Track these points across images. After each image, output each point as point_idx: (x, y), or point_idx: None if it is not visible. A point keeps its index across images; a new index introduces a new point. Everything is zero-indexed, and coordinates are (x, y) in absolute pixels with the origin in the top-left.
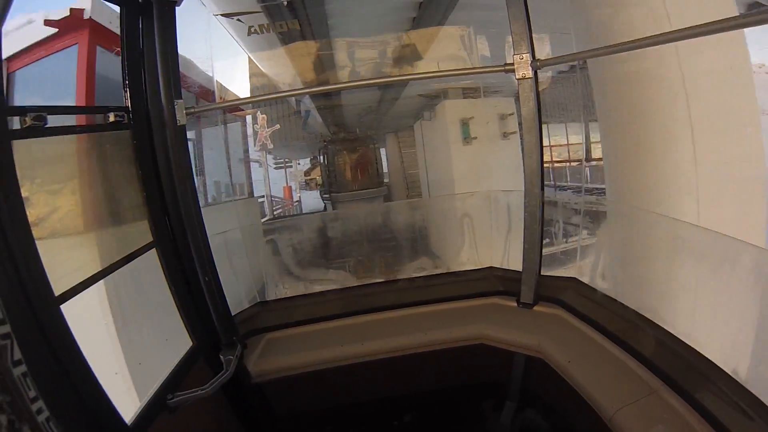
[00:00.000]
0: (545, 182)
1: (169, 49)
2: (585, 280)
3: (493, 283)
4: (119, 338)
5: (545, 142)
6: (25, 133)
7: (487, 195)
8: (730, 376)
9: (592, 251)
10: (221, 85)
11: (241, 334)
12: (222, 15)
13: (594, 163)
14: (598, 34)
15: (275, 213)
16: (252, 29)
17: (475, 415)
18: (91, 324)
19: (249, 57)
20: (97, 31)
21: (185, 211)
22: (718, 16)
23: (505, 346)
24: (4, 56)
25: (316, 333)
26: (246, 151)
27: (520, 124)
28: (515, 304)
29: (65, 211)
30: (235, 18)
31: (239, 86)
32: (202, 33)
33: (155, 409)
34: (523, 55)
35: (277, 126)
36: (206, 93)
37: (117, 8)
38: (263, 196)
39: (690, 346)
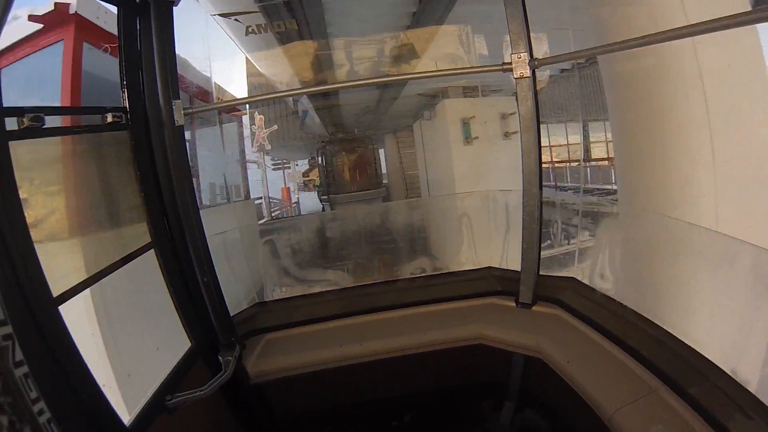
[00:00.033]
0: (545, 182)
1: (166, 50)
2: (599, 287)
3: (492, 283)
4: (116, 340)
5: (545, 143)
6: (23, 134)
7: (485, 195)
8: (729, 375)
9: (602, 255)
10: (219, 86)
11: (239, 335)
12: (219, 15)
13: (593, 163)
14: (609, 30)
15: (273, 215)
16: (250, 29)
17: (474, 415)
18: (90, 325)
19: (246, 57)
20: (83, 27)
21: (183, 212)
22: (732, 11)
23: (504, 346)
24: None
25: (315, 333)
26: (242, 152)
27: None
28: (514, 304)
29: (63, 212)
30: (233, 18)
31: (237, 87)
32: (199, 33)
33: (154, 410)
34: (521, 55)
35: (275, 127)
36: (202, 93)
37: (112, 7)
38: (261, 198)
39: (689, 346)
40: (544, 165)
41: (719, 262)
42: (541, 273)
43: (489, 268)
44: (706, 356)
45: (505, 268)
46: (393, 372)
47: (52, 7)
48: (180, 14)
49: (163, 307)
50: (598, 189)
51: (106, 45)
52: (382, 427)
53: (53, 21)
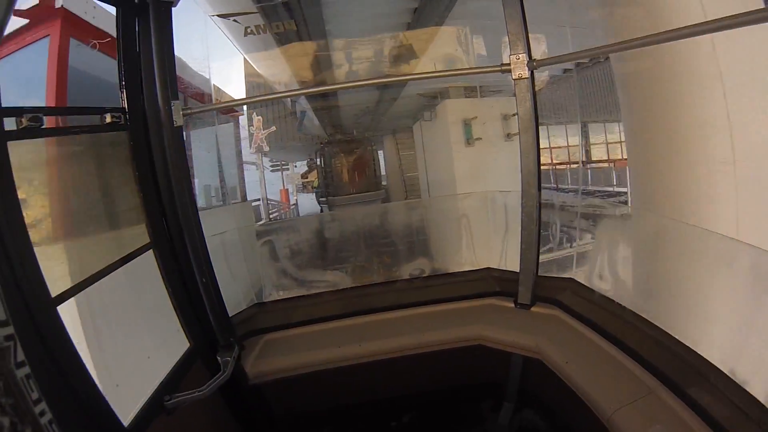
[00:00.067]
0: (545, 183)
1: (165, 50)
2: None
3: (491, 283)
4: (115, 340)
5: (546, 144)
6: (21, 134)
7: (484, 196)
8: (727, 375)
9: (610, 259)
10: (216, 86)
11: (238, 336)
12: (218, 16)
13: (592, 164)
14: (616, 29)
15: (271, 217)
16: (248, 30)
17: (473, 416)
18: (88, 325)
19: (245, 58)
20: (70, 22)
21: (182, 212)
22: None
23: (503, 347)
24: None
25: (314, 334)
26: (239, 153)
27: None
28: (513, 305)
29: (62, 212)
30: (232, 19)
31: (235, 87)
32: (198, 34)
33: (152, 410)
34: (520, 55)
35: (273, 128)
36: (198, 94)
37: (102, 3)
38: (259, 200)
39: (687, 346)
40: (546, 167)
41: (738, 271)
42: (539, 274)
43: (488, 269)
44: (704, 357)
45: (504, 269)
46: (392, 372)
47: (38, 1)
48: (179, 15)
49: (161, 307)
50: (599, 191)
51: (95, 41)
52: (381, 427)
53: (39, 15)
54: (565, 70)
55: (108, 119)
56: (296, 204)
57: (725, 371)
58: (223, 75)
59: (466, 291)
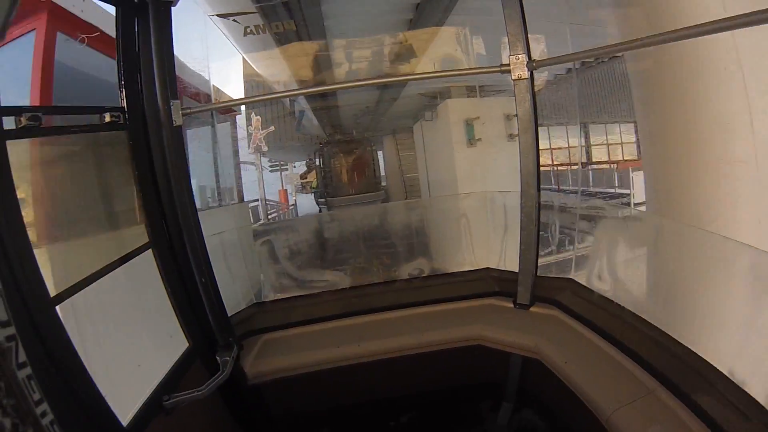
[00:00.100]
0: (548, 184)
1: (165, 50)
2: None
3: (490, 283)
4: (114, 340)
5: (548, 145)
6: (20, 133)
7: (483, 196)
8: (726, 376)
9: (618, 263)
10: (216, 87)
11: (237, 335)
12: (218, 16)
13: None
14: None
15: (269, 218)
16: (248, 30)
17: (472, 416)
18: (87, 324)
19: (244, 58)
20: (57, 15)
21: (182, 212)
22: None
23: (502, 347)
24: None
25: (313, 334)
26: (236, 153)
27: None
28: (512, 305)
29: (61, 212)
30: (231, 18)
31: (234, 87)
32: (197, 34)
33: (151, 410)
34: (519, 56)
35: (272, 128)
36: (194, 94)
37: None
38: (257, 200)
39: (686, 347)
40: (547, 168)
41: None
42: (538, 274)
43: (487, 269)
44: (703, 357)
45: (503, 269)
46: (391, 372)
47: None
48: (178, 15)
49: (160, 307)
50: (600, 192)
51: (83, 35)
52: (380, 427)
53: (24, 8)
54: (569, 70)
55: (107, 119)
56: (295, 205)
57: (724, 372)
58: (223, 75)
59: (465, 291)
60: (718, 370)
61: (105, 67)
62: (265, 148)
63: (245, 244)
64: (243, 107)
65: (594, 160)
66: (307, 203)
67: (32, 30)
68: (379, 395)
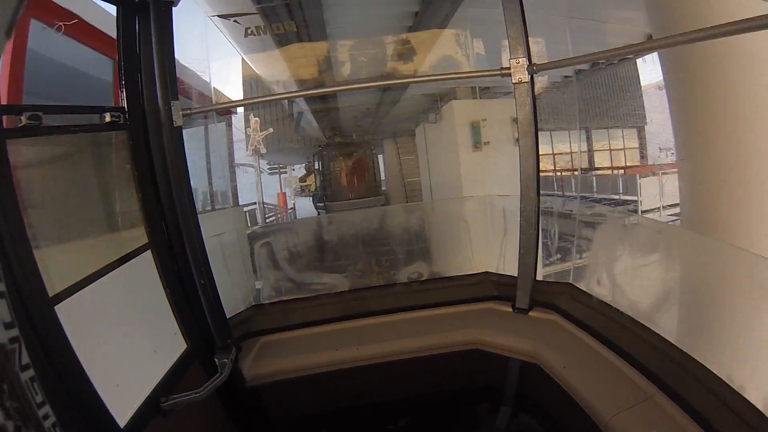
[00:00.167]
0: (551, 189)
1: (165, 50)
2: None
3: (489, 288)
4: (112, 340)
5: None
6: (20, 132)
7: (482, 200)
8: (725, 382)
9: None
10: (215, 88)
11: (236, 337)
12: (218, 16)
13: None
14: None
15: (267, 221)
16: (248, 31)
17: (470, 420)
18: (85, 325)
19: (244, 59)
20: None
21: (181, 213)
22: None
23: (501, 351)
24: None
25: (311, 337)
26: (231, 154)
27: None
28: (510, 310)
29: (60, 212)
30: (232, 19)
31: (234, 88)
32: (198, 34)
33: (149, 412)
34: (520, 60)
35: (270, 129)
36: (193, 94)
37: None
38: (255, 203)
39: (685, 352)
40: (546, 172)
41: None
42: (537, 279)
43: (486, 273)
44: (702, 362)
45: (502, 273)
46: (389, 376)
47: None
48: (178, 15)
49: (159, 308)
50: (605, 199)
51: (60, 24)
52: (378, 430)
53: None
54: (578, 71)
55: (107, 118)
56: (294, 208)
57: (723, 377)
58: (222, 75)
59: (464, 295)
60: (716, 375)
61: (83, 57)
62: (263, 150)
63: (243, 248)
64: (241, 108)
65: (608, 165)
66: (306, 206)
67: None
68: (378, 398)
